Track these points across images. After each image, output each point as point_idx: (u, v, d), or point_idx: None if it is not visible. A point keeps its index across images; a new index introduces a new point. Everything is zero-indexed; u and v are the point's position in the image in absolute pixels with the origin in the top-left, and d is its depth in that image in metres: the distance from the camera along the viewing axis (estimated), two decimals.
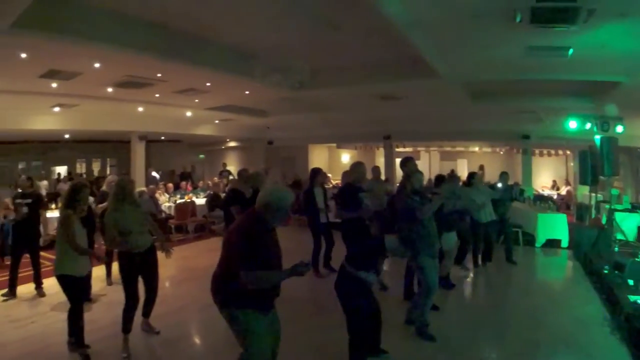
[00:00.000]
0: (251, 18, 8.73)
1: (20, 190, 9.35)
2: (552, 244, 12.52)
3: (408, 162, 7.46)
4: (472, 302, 8.64)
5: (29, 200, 8.98)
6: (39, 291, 8.86)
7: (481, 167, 20.26)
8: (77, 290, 5.92)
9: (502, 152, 23.18)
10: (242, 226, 4.13)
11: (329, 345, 6.13)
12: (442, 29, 8.04)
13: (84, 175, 24.94)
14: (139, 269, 6.31)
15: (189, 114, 18.63)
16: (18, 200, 8.99)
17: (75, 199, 5.98)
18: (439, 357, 5.93)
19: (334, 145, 25.87)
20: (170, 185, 18.54)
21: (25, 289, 8.90)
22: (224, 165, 24.14)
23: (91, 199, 8.41)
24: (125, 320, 6.18)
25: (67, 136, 21.40)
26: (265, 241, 4.07)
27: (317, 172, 10.18)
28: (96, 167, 28.88)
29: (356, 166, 7.79)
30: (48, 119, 16.66)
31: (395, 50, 9.95)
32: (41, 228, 9.39)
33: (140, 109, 16.97)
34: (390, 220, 6.76)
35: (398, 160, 21.86)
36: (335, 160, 26.61)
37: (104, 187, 9.83)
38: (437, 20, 7.64)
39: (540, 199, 15.07)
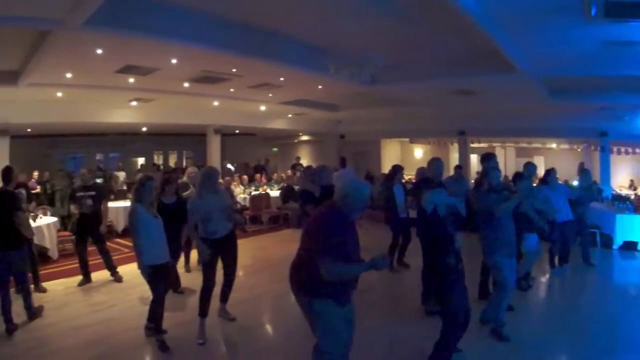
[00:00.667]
0: (325, 13, 8.70)
1: (81, 183, 9.65)
2: (630, 245, 11.94)
3: (488, 159, 7.30)
4: (547, 304, 8.39)
5: (92, 193, 9.28)
6: (116, 277, 9.31)
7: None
8: (159, 280, 6.09)
9: (579, 150, 22.37)
10: (321, 217, 4.18)
11: (403, 341, 6.12)
12: (517, 23, 7.86)
13: (162, 167, 25.50)
14: (218, 255, 6.48)
15: (262, 108, 18.83)
16: (80, 194, 9.29)
17: (140, 192, 6.15)
18: (512, 358, 5.82)
19: (407, 140, 25.55)
20: (245, 177, 18.89)
21: (102, 275, 9.36)
22: (298, 159, 24.28)
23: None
24: (202, 303, 6.36)
25: (144, 129, 21.93)
26: (343, 233, 4.05)
27: (398, 169, 10.21)
28: (173, 159, 29.53)
29: (433, 162, 7.67)
30: (126, 112, 17.27)
31: (471, 45, 9.73)
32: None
33: (216, 103, 17.29)
34: (466, 218, 6.64)
35: (473, 157, 21.60)
36: (408, 155, 26.24)
37: (184, 179, 10.04)
38: (512, 14, 7.48)
39: (619, 198, 14.49)
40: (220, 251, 6.51)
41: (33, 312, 7.17)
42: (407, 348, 5.92)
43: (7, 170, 7.53)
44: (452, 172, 11.92)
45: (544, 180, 9.90)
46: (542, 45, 9.03)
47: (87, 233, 9.33)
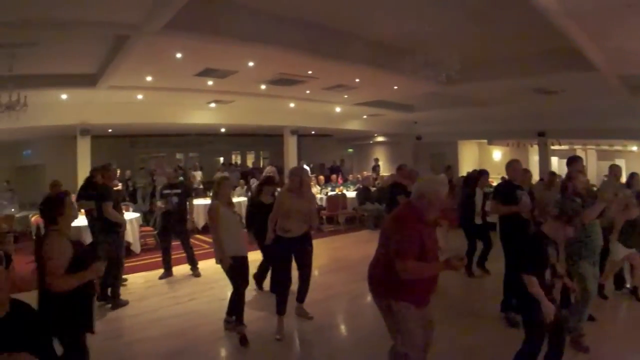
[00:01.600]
0: (401, 12, 8.66)
1: (167, 182, 9.99)
2: None
3: (574, 162, 7.10)
4: (628, 315, 8.06)
5: (178, 191, 9.61)
6: (195, 272, 9.59)
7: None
8: (238, 273, 6.25)
9: None
10: (398, 216, 4.18)
11: (479, 348, 5.95)
12: (597, 18, 7.58)
13: (239, 167, 25.98)
14: (291, 254, 6.55)
15: (338, 109, 18.93)
16: (166, 191, 9.61)
17: (218, 191, 6.46)
18: None
19: (485, 141, 25.06)
20: (321, 177, 19.00)
21: (182, 270, 9.67)
22: (376, 160, 24.24)
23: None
24: (279, 301, 6.43)
25: (222, 130, 22.37)
26: (420, 232, 4.01)
27: (482, 173, 10.03)
28: (250, 159, 30.00)
29: (513, 163, 7.53)
30: (205, 114, 17.73)
31: (550, 42, 9.49)
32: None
33: (292, 104, 17.56)
34: None
35: (554, 160, 20.96)
36: (486, 157, 25.71)
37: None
38: (591, 10, 7.23)
39: None
40: (295, 250, 6.58)
41: (117, 302, 7.53)
42: (483, 356, 5.79)
43: (105, 167, 8.17)
44: (533, 176, 11.58)
45: (627, 185, 9.51)
46: (623, 41, 8.70)
47: (172, 229, 9.71)
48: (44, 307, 3.85)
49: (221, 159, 28.06)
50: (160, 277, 9.36)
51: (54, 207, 4.17)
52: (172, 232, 9.74)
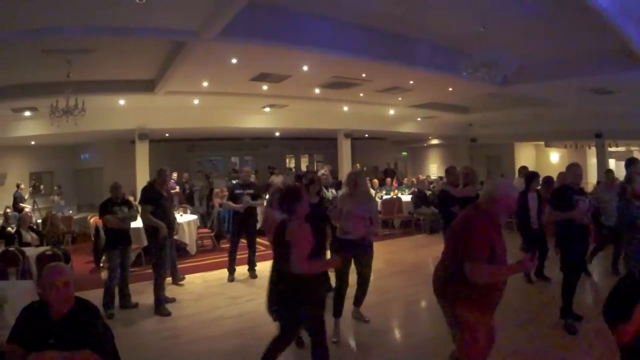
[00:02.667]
0: (457, 13, 8.62)
1: (239, 182, 10.16)
2: None
3: (633, 164, 6.92)
4: None
5: (251, 191, 9.76)
6: (251, 273, 9.74)
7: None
8: None
9: None
10: (468, 218, 4.13)
11: (539, 355, 5.83)
12: None
13: (293, 170, 26.15)
14: (350, 256, 6.55)
15: (391, 112, 18.86)
16: (239, 191, 9.75)
17: (272, 200, 6.80)
18: None
19: (542, 143, 24.59)
20: (376, 180, 18.88)
21: (240, 270, 9.80)
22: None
23: None
24: (336, 303, 6.46)
25: (277, 134, 22.57)
26: (490, 235, 3.96)
27: (533, 176, 9.66)
28: (304, 163, 30.13)
29: (572, 167, 7.37)
30: (260, 118, 17.90)
31: (608, 42, 9.32)
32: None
33: (346, 108, 17.60)
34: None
35: (612, 161, 20.46)
36: (543, 160, 25.13)
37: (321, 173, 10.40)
38: None
39: None
40: (354, 253, 6.57)
41: (159, 309, 7.63)
42: None
43: (158, 172, 8.37)
44: (590, 178, 11.34)
45: None
46: None
47: (243, 228, 9.88)
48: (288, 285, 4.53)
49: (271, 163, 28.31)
50: (230, 280, 9.48)
51: (291, 199, 4.57)
52: (242, 233, 9.89)
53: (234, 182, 15.08)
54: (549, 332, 6.40)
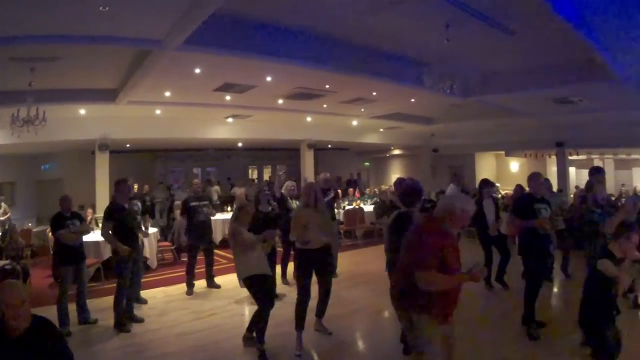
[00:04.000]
0: (422, 25, 8.69)
1: (193, 194, 10.04)
2: None
3: (594, 172, 7.02)
4: None
5: (206, 202, 9.64)
6: (213, 284, 9.63)
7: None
8: (264, 290, 6.24)
9: None
10: (420, 228, 4.16)
11: None
12: (616, 29, 7.57)
13: (256, 181, 26.04)
14: (313, 266, 6.50)
15: (355, 122, 18.99)
16: (194, 204, 9.60)
17: (238, 216, 6.34)
18: None
19: (502, 153, 24.97)
20: (339, 191, 18.74)
21: (201, 284, 9.67)
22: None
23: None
24: (298, 316, 6.38)
25: (240, 144, 22.46)
26: (442, 244, 3.98)
27: (485, 183, 9.85)
28: (267, 174, 30.01)
29: (534, 176, 7.43)
30: (222, 128, 17.77)
31: (570, 53, 9.49)
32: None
33: (309, 118, 17.64)
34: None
35: (572, 170, 20.87)
36: (503, 169, 25.73)
37: (283, 191, 10.32)
38: (611, 21, 7.21)
39: None
40: (317, 263, 6.52)
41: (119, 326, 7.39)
42: None
43: (116, 183, 7.94)
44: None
45: None
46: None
47: (200, 241, 9.74)
48: None
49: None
50: (188, 294, 9.31)
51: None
52: (200, 245, 9.74)
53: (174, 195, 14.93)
54: (512, 339, 6.42)
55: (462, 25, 8.30)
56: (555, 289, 9.35)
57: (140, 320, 7.64)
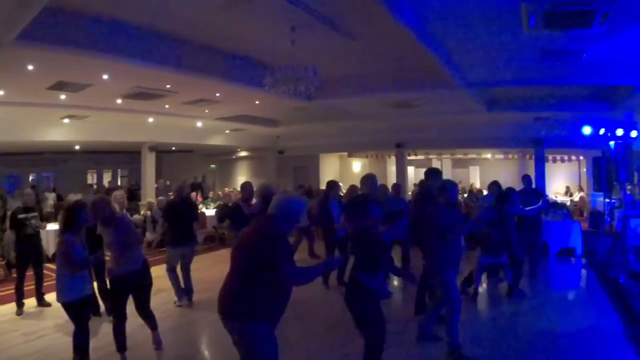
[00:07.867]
0: (267, 28, 8.77)
1: (22, 205, 9.27)
2: (566, 252, 12.16)
3: (438, 176, 7.33)
4: (486, 315, 8.41)
5: (35, 214, 8.98)
6: (44, 302, 8.82)
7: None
8: (80, 312, 5.80)
9: (515, 159, 23.02)
10: (264, 228, 4.10)
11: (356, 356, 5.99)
12: (455, 35, 8.01)
13: (95, 186, 25.01)
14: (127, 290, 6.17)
15: (199, 124, 18.69)
16: (22, 215, 8.90)
17: (72, 220, 5.82)
18: None
19: (346, 154, 25.80)
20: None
21: (31, 302, 8.85)
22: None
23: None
24: (117, 338, 6.01)
25: (77, 147, 21.43)
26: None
27: (333, 184, 10.04)
28: (107, 178, 28.94)
29: (367, 179, 7.61)
30: (58, 130, 16.80)
31: (410, 59, 9.93)
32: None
33: (151, 119, 17.07)
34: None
35: (411, 169, 21.94)
36: (346, 169, 26.56)
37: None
38: (450, 27, 7.61)
39: (555, 206, 14.79)
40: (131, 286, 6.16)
41: None
42: None
43: None
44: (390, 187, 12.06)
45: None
46: (480, 56, 9.25)
47: (29, 256, 8.94)
48: None
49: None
50: (18, 314, 8.44)
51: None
52: (29, 260, 9.00)
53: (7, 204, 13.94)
54: (351, 338, 6.57)
55: (307, 28, 8.43)
56: None
57: None
